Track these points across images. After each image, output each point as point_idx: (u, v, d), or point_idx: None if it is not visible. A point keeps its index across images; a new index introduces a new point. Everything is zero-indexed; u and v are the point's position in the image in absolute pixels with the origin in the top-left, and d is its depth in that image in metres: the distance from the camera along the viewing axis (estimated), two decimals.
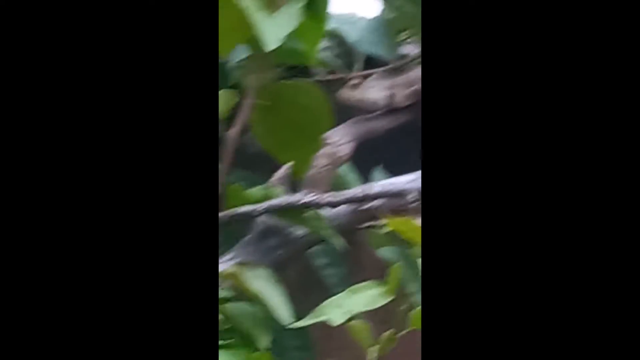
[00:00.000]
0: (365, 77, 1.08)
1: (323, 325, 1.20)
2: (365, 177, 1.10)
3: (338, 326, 0.92)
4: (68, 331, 0.71)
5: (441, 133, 0.72)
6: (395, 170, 1.09)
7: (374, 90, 1.07)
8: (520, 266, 0.70)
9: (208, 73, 0.73)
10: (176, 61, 0.73)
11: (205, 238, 0.72)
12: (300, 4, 0.95)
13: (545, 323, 0.70)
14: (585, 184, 0.70)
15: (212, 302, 0.73)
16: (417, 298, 0.95)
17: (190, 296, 0.72)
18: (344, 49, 1.25)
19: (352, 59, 1.24)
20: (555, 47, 0.71)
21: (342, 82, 1.13)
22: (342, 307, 0.90)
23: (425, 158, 0.73)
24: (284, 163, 1.04)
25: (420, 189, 1.00)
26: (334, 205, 0.99)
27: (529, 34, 0.71)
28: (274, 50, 1.04)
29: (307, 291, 1.06)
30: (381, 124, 1.08)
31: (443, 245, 0.71)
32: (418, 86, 1.09)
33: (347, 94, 1.07)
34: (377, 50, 1.24)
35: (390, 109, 1.09)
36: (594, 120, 0.70)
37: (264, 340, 0.95)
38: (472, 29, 0.71)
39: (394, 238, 1.13)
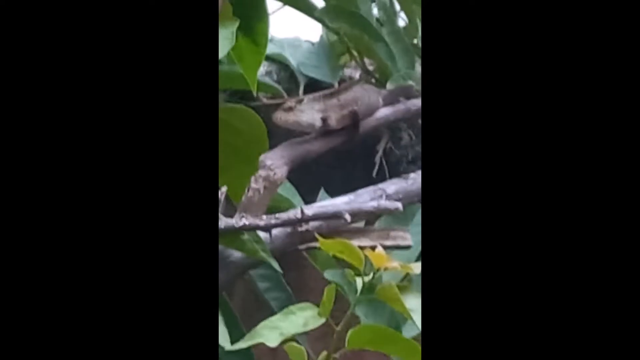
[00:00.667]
0: (301, 100, 1.09)
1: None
2: (305, 192, 1.11)
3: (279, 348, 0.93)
4: (68, 328, 0.71)
5: (441, 142, 0.72)
6: (330, 192, 1.10)
7: (308, 113, 1.08)
8: (519, 273, 0.71)
9: (208, 76, 0.74)
10: (175, 64, 0.73)
11: (204, 239, 0.72)
12: (235, 28, 0.96)
13: (546, 329, 0.71)
14: (585, 185, 0.71)
15: (212, 301, 0.73)
16: (356, 312, 0.96)
17: (190, 296, 0.72)
18: (288, 73, 1.26)
19: (295, 83, 1.26)
20: (555, 47, 0.72)
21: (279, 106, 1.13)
22: (277, 329, 0.91)
23: (425, 166, 0.73)
24: (220, 187, 1.05)
25: (356, 211, 1.02)
26: (270, 228, 1.00)
27: (527, 36, 0.72)
28: None
29: (253, 314, 1.06)
30: (316, 147, 1.09)
31: (442, 258, 0.71)
32: (352, 108, 1.10)
33: (282, 116, 1.07)
34: (320, 74, 1.25)
35: (325, 132, 1.09)
36: (594, 120, 0.71)
37: None
38: (471, 32, 0.72)
39: (336, 260, 1.14)
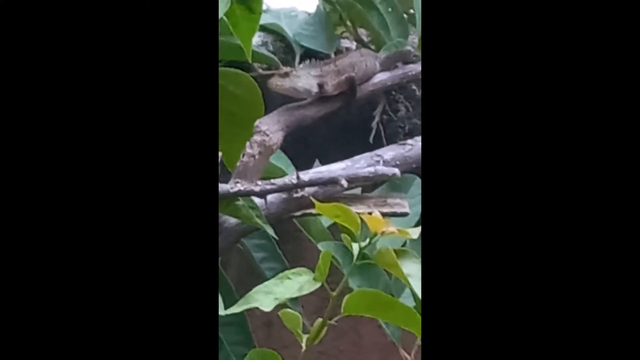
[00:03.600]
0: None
1: (262, 314, 1.20)
2: (300, 163, 1.10)
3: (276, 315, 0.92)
4: (67, 326, 0.70)
5: (440, 136, 0.72)
6: (325, 158, 1.09)
7: (305, 78, 1.07)
8: (520, 268, 0.70)
9: (208, 72, 0.73)
10: (176, 61, 0.73)
11: (204, 234, 0.72)
12: None
13: (547, 327, 0.70)
14: (585, 185, 0.70)
15: (212, 299, 0.73)
16: (350, 284, 0.95)
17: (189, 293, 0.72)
18: (284, 44, 1.25)
19: (291, 53, 1.24)
20: (555, 47, 0.71)
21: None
22: (272, 294, 0.90)
23: (425, 162, 0.73)
24: None
25: (352, 176, 1.01)
26: (265, 193, 0.99)
27: (527, 33, 0.71)
28: None
29: (248, 280, 1.05)
30: (311, 112, 1.08)
31: (442, 251, 0.71)
32: (348, 74, 1.09)
33: (278, 82, 1.06)
34: (316, 44, 1.24)
35: (321, 97, 1.08)
36: (594, 120, 0.71)
37: None
38: (470, 27, 0.72)
39: (331, 232, 1.13)
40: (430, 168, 0.72)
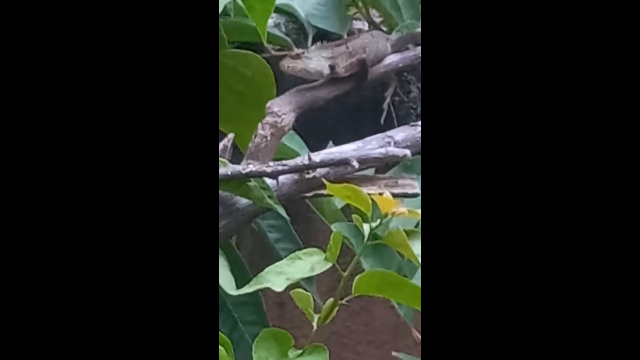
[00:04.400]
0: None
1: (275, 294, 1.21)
2: (313, 145, 1.10)
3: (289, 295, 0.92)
4: (67, 324, 0.71)
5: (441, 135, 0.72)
6: (337, 139, 1.09)
7: (316, 60, 1.07)
8: (518, 264, 0.71)
9: (208, 70, 0.74)
10: (176, 60, 0.73)
11: (204, 231, 0.73)
12: None
13: (546, 323, 0.71)
14: (585, 184, 0.71)
15: (212, 299, 0.74)
16: (362, 265, 0.96)
17: (189, 292, 0.72)
18: (297, 25, 1.25)
19: (303, 34, 1.25)
20: (554, 47, 0.72)
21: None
22: (283, 274, 0.90)
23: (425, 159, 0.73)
24: (227, 133, 1.04)
25: (363, 157, 1.01)
26: (277, 174, 0.99)
27: (527, 32, 0.72)
28: (225, 27, 1.05)
29: (261, 260, 1.06)
30: (323, 94, 1.08)
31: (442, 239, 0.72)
32: (359, 56, 1.09)
33: (289, 64, 1.06)
34: (329, 25, 1.24)
35: (332, 79, 1.08)
36: (594, 120, 0.71)
37: None
38: (470, 26, 0.72)
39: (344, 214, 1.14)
40: (430, 164, 0.72)
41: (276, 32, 1.23)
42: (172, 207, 0.72)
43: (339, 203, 1.18)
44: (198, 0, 0.73)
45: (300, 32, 1.26)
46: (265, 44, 1.14)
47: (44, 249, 0.71)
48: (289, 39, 1.22)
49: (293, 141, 1.14)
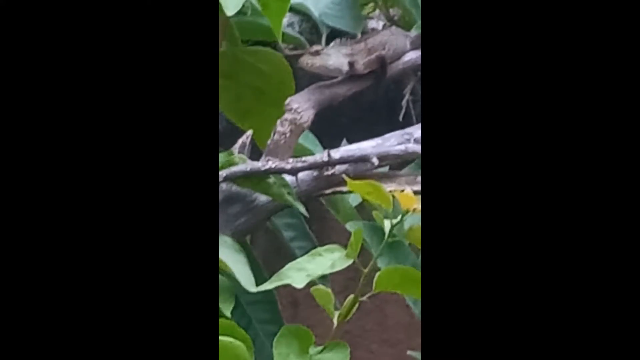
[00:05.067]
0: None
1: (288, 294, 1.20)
2: (327, 144, 1.10)
3: (306, 293, 0.92)
4: (67, 322, 0.71)
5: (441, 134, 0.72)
6: (356, 136, 1.09)
7: (335, 57, 1.07)
8: (519, 264, 0.71)
9: (208, 68, 0.73)
10: (177, 58, 0.73)
11: (205, 230, 0.72)
12: None
13: (547, 323, 0.70)
14: (585, 184, 0.71)
15: (212, 298, 0.74)
16: (381, 262, 0.95)
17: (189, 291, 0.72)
18: (310, 24, 1.25)
19: (317, 34, 1.24)
20: (554, 46, 0.71)
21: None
22: (304, 270, 0.90)
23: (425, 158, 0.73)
24: (246, 130, 1.04)
25: (383, 154, 1.01)
26: (296, 171, 0.99)
27: (528, 32, 0.72)
28: (240, 26, 1.05)
29: (275, 259, 1.06)
30: (342, 91, 1.08)
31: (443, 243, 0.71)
32: (378, 53, 1.09)
33: (308, 60, 1.06)
34: (343, 24, 1.24)
35: (351, 76, 1.08)
36: (594, 120, 0.71)
37: (227, 308, 0.95)
38: (471, 26, 0.72)
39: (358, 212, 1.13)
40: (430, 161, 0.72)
41: (290, 31, 1.23)
42: (172, 205, 0.72)
43: (353, 201, 1.18)
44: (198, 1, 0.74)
45: (314, 32, 1.25)
46: (280, 43, 1.14)
47: (43, 245, 0.71)
48: (302, 38, 1.21)
49: (309, 140, 1.14)
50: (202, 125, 0.73)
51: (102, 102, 0.72)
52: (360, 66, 1.08)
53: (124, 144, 0.72)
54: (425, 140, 0.73)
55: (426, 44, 0.73)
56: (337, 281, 1.10)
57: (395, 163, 1.08)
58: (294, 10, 1.26)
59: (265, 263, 1.09)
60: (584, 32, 0.71)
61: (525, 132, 0.71)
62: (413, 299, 1.08)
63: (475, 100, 0.71)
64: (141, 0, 0.72)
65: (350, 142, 1.10)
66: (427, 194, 0.72)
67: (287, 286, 0.91)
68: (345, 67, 1.07)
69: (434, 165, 0.72)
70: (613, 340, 0.70)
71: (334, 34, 1.23)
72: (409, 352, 1.22)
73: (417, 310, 1.07)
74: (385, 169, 1.08)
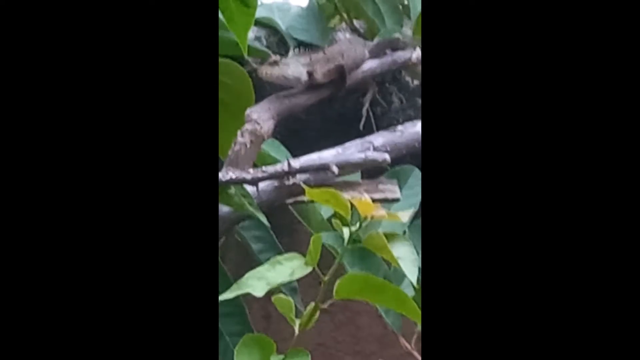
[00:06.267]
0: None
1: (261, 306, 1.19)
2: (290, 154, 1.10)
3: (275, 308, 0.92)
4: (61, 317, 0.71)
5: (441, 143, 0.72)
6: (317, 145, 1.09)
7: (294, 66, 1.08)
8: (518, 266, 0.71)
9: (208, 69, 0.74)
10: (177, 60, 0.73)
11: (204, 231, 0.73)
12: None
13: (548, 325, 0.71)
14: (585, 184, 0.71)
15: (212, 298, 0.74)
16: (343, 269, 0.96)
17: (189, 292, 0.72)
18: (277, 38, 1.26)
19: (284, 48, 1.25)
20: (555, 46, 0.72)
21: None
22: (264, 279, 0.90)
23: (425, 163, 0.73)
24: None
25: (343, 163, 1.01)
26: (257, 181, 0.99)
27: (528, 32, 0.72)
28: None
29: (242, 267, 1.06)
30: (302, 100, 1.09)
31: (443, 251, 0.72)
32: (337, 62, 1.09)
33: (267, 71, 1.07)
34: (309, 37, 1.25)
35: (311, 85, 1.09)
36: (594, 120, 0.71)
37: None
38: (471, 27, 0.72)
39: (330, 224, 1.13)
40: (430, 160, 0.72)
41: (257, 45, 1.23)
42: (173, 210, 0.72)
43: (325, 213, 1.18)
44: (197, 4, 0.74)
45: (282, 45, 1.26)
46: (247, 57, 1.14)
47: (45, 247, 0.71)
48: (270, 52, 1.22)
49: (274, 148, 1.15)
50: (201, 132, 0.74)
51: (102, 106, 0.72)
52: (319, 75, 1.09)
53: (120, 148, 0.72)
54: (425, 142, 0.73)
55: (426, 44, 0.73)
56: (309, 294, 1.10)
57: (372, 171, 1.09)
58: (260, 24, 1.27)
59: (238, 276, 1.09)
60: (584, 31, 0.72)
61: (524, 133, 0.71)
62: (385, 309, 1.08)
63: (473, 101, 0.72)
64: (141, 7, 0.73)
65: (313, 151, 1.11)
66: (426, 199, 0.73)
67: (259, 300, 0.91)
68: (304, 77, 1.08)
69: (434, 166, 0.72)
70: (613, 340, 0.70)
71: (301, 47, 1.24)
72: None
73: (389, 321, 1.07)
74: (349, 176, 1.09)
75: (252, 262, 1.13)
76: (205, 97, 0.74)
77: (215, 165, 0.76)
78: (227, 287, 0.99)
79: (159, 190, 0.72)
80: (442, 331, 0.71)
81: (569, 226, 0.71)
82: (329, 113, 1.19)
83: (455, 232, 0.71)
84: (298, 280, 1.08)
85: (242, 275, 1.05)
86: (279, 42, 1.26)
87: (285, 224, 1.16)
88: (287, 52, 1.24)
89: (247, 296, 1.05)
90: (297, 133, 1.16)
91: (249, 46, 1.06)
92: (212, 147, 0.75)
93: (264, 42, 1.26)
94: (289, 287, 1.08)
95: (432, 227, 0.72)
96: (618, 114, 0.71)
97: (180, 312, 0.72)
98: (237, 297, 1.06)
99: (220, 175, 0.99)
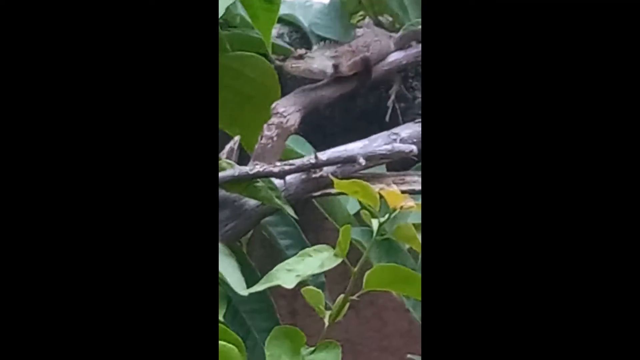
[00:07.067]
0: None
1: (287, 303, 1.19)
2: (316, 147, 1.10)
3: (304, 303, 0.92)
4: (66, 323, 0.71)
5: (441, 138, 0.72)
6: (343, 138, 1.09)
7: (320, 60, 1.08)
8: (519, 261, 0.71)
9: (208, 70, 0.74)
10: (177, 60, 0.73)
11: (205, 233, 0.73)
12: None
13: (548, 321, 0.70)
14: (585, 183, 0.71)
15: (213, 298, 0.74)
16: (373, 257, 0.95)
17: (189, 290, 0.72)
18: (300, 35, 1.26)
19: (307, 44, 1.25)
20: (553, 48, 0.72)
21: None
22: (293, 271, 0.90)
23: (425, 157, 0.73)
24: (233, 136, 1.04)
25: (370, 154, 1.01)
26: (284, 174, 0.99)
27: (528, 32, 0.72)
28: (230, 38, 1.05)
29: (270, 262, 1.06)
30: (327, 93, 1.09)
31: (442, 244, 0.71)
32: (363, 55, 1.09)
33: (293, 64, 1.07)
34: (332, 33, 1.24)
35: (336, 78, 1.09)
36: (594, 120, 0.71)
37: (219, 312, 0.95)
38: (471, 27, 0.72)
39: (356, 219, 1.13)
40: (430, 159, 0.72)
41: (280, 42, 1.23)
42: (173, 208, 0.72)
43: (351, 209, 1.18)
44: (198, 2, 0.74)
45: (304, 42, 1.26)
46: (270, 54, 1.14)
47: (43, 248, 0.71)
48: (292, 49, 1.22)
49: (298, 144, 1.15)
50: (202, 132, 0.73)
51: (102, 107, 0.72)
52: (344, 68, 1.08)
53: (121, 147, 0.72)
54: (425, 141, 0.73)
55: (426, 43, 0.73)
56: (335, 289, 1.10)
57: (397, 164, 1.09)
58: (283, 21, 1.26)
59: (264, 272, 1.09)
60: (584, 30, 0.71)
61: (524, 132, 0.71)
62: (412, 304, 1.08)
63: (474, 100, 0.72)
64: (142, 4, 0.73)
65: (337, 138, 1.11)
66: (427, 196, 0.73)
67: (285, 296, 0.91)
68: (330, 70, 1.08)
69: (434, 165, 0.72)
70: (613, 340, 0.70)
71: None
72: (409, 356, 1.21)
73: (416, 316, 1.07)
74: (374, 169, 1.09)
75: (278, 258, 1.13)
76: (205, 95, 0.74)
77: (215, 165, 0.76)
78: (255, 282, 1.00)
79: (158, 190, 0.72)
80: (442, 334, 0.71)
81: (569, 226, 0.70)
82: (351, 109, 1.19)
83: (455, 231, 0.71)
84: (325, 276, 1.09)
85: (269, 271, 1.05)
86: (302, 39, 1.26)
87: (311, 221, 1.16)
88: (309, 49, 1.24)
89: (274, 292, 1.05)
90: (320, 129, 1.16)
91: (272, 43, 1.06)
92: (212, 147, 0.75)
93: (287, 39, 1.26)
94: (317, 282, 1.07)
95: (431, 227, 0.72)
96: (618, 114, 0.71)
97: (178, 312, 0.72)
98: (265, 294, 1.06)
99: (247, 168, 0.99)
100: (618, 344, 0.70)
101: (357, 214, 1.14)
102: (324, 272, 0.97)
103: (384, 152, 1.01)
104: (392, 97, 1.15)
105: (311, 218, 1.16)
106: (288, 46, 1.22)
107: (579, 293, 0.70)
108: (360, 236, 1.02)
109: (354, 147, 1.03)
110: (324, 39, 1.23)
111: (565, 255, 0.70)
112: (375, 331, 1.37)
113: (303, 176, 1.02)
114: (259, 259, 1.20)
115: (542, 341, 0.70)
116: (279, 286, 0.91)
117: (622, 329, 0.70)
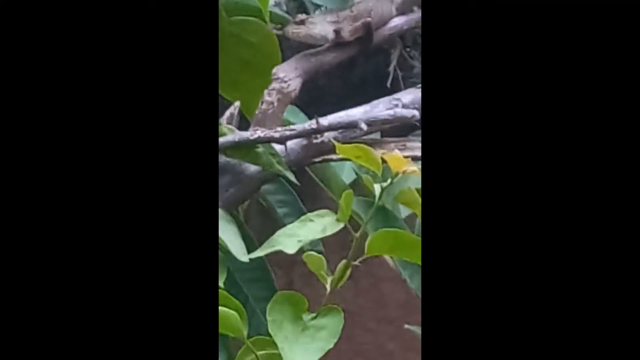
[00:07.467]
0: None
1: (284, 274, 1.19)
2: (316, 113, 1.10)
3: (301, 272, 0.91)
4: (66, 297, 0.70)
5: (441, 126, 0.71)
6: (344, 103, 1.08)
7: (321, 25, 1.07)
8: (520, 259, 0.70)
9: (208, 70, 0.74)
10: (177, 56, 0.72)
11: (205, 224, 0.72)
12: None
13: (549, 318, 0.70)
14: (585, 183, 0.70)
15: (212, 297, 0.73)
16: (371, 226, 0.95)
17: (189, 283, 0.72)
18: (297, 3, 1.25)
19: (304, 13, 1.24)
20: (555, 46, 0.71)
21: None
22: (295, 236, 0.89)
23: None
24: (233, 101, 1.04)
25: (372, 120, 1.01)
26: (285, 139, 0.98)
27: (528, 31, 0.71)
28: (227, 6, 1.04)
29: (269, 228, 1.05)
30: (328, 58, 1.08)
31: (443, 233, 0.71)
32: (364, 20, 1.09)
33: (294, 30, 1.06)
34: (329, 2, 1.24)
35: (337, 44, 1.08)
36: (594, 120, 0.70)
37: (219, 279, 0.94)
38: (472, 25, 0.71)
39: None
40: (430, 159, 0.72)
41: (277, 10, 1.22)
42: (173, 174, 0.72)
43: (347, 178, 1.17)
44: None
45: (302, 11, 1.25)
46: (268, 22, 1.14)
47: (43, 226, 0.70)
48: (290, 18, 1.21)
49: (297, 116, 1.14)
50: (202, 97, 0.73)
51: (100, 81, 0.71)
52: (346, 33, 1.08)
53: (123, 119, 0.71)
54: (425, 135, 0.72)
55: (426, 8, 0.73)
56: (332, 255, 1.09)
57: (389, 132, 1.08)
58: None
59: (262, 242, 1.09)
60: (584, 28, 0.71)
61: (523, 133, 0.71)
62: (409, 273, 1.07)
63: (475, 66, 0.71)
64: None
65: (339, 110, 1.10)
66: (427, 189, 0.72)
67: (282, 266, 0.90)
68: (331, 35, 1.07)
69: (434, 130, 0.71)
70: (613, 340, 0.69)
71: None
72: (406, 326, 1.21)
73: (413, 286, 1.07)
74: (376, 135, 1.08)
75: (276, 227, 1.13)
76: (204, 60, 0.73)
77: (215, 130, 0.75)
78: (253, 250, 0.99)
79: (158, 155, 0.71)
80: (442, 333, 0.71)
81: (569, 225, 0.70)
82: (350, 77, 1.19)
83: (455, 230, 0.71)
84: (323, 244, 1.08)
85: (266, 239, 1.04)
86: (299, 8, 1.25)
87: (307, 191, 1.16)
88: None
89: (270, 262, 1.05)
90: (319, 98, 1.16)
91: (269, 12, 1.06)
92: (212, 112, 0.74)
93: (284, 7, 1.25)
94: (315, 251, 1.07)
95: (432, 227, 0.71)
96: (618, 114, 0.70)
97: (179, 303, 0.71)
98: (263, 262, 1.06)
99: (247, 134, 0.98)
100: (618, 343, 0.69)
101: (352, 184, 1.14)
102: (321, 241, 0.97)
103: (385, 117, 1.00)
104: (394, 62, 1.15)
105: (307, 188, 1.15)
106: (285, 14, 1.21)
107: (580, 273, 0.70)
108: (357, 206, 1.02)
109: (356, 113, 1.02)
110: (320, 6, 1.23)
111: (567, 228, 0.70)
112: (373, 301, 1.38)
113: (304, 142, 1.01)
114: (256, 228, 1.19)
115: (540, 309, 0.70)
116: (277, 254, 0.90)
117: (622, 329, 0.69)
